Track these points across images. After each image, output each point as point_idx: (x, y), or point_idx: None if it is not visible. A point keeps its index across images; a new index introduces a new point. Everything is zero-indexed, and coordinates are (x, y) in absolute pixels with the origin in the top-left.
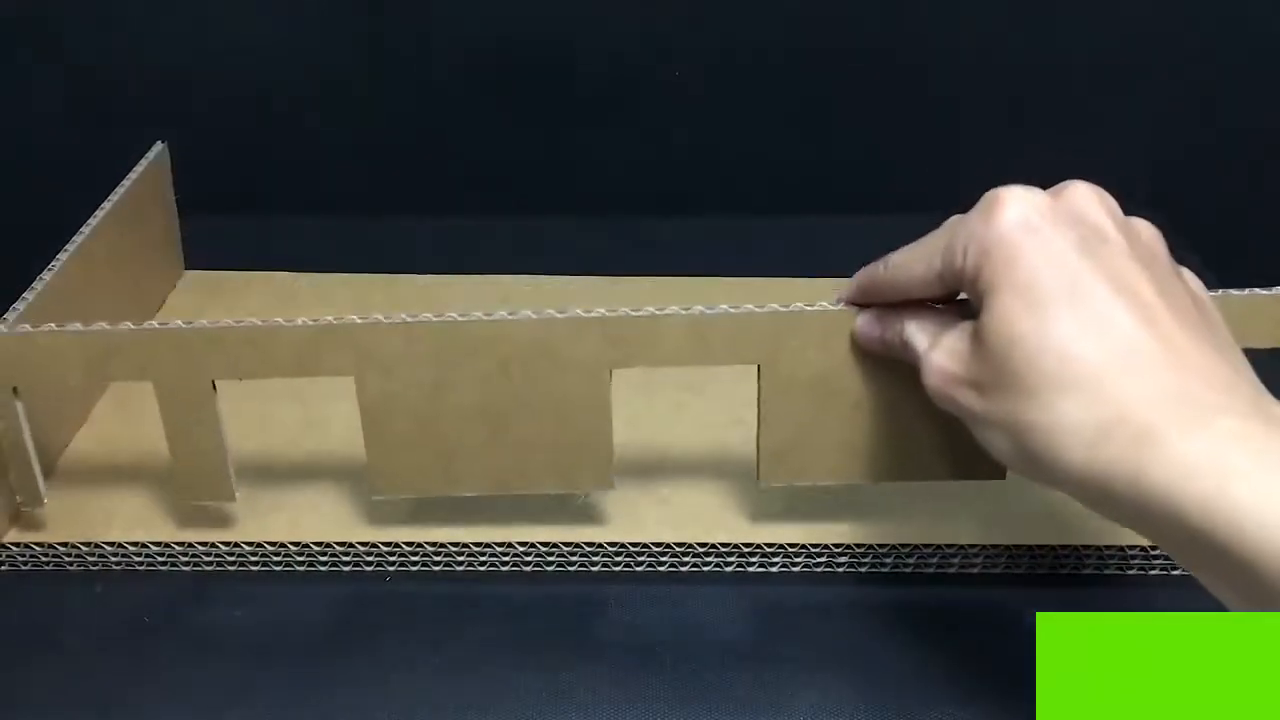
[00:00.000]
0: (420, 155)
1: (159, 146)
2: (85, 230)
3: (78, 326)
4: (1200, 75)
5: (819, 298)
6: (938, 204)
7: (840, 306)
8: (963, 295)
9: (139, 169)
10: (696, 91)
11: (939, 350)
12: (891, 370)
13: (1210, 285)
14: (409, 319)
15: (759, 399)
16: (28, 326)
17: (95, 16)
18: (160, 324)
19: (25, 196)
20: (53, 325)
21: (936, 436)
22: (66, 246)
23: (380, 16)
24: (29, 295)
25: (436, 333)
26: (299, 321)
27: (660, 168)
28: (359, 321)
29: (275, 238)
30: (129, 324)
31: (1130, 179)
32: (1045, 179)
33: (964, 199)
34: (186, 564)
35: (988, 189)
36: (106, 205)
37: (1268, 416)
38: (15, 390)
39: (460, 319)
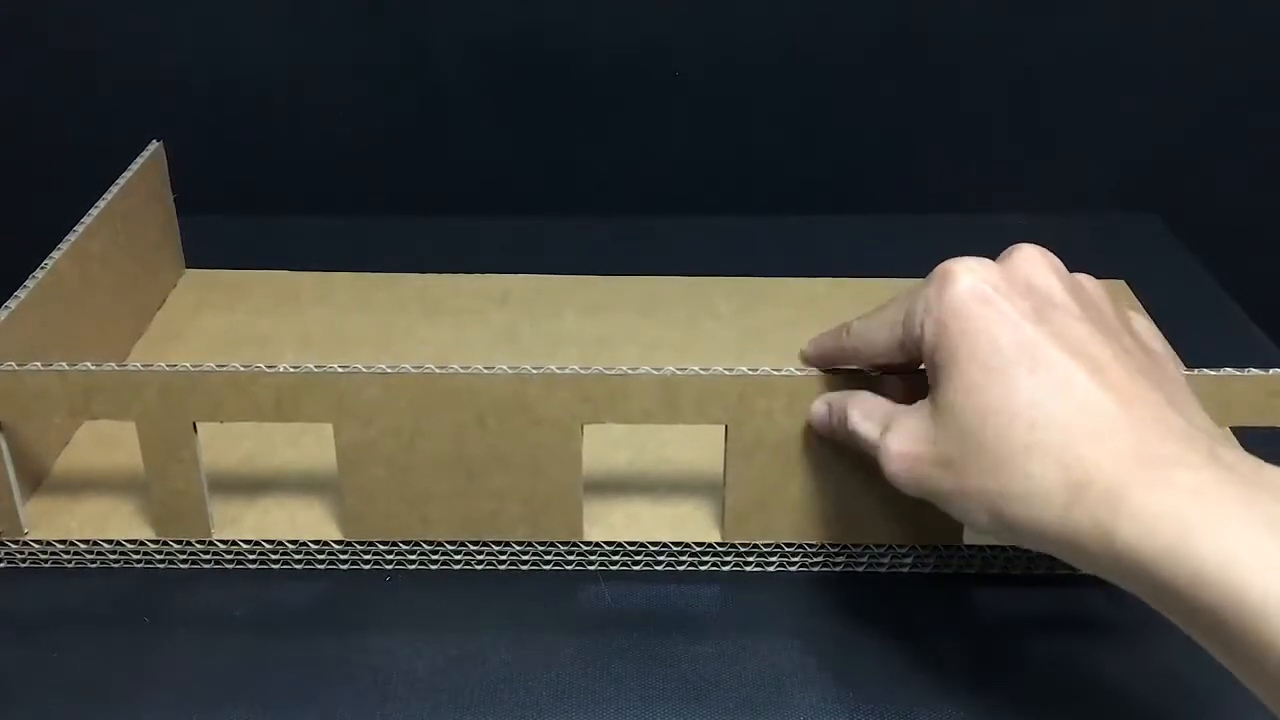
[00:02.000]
0: (420, 155)
1: (155, 145)
2: (79, 229)
3: (62, 365)
4: (1201, 75)
5: (815, 297)
6: (937, 204)
7: (808, 372)
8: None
9: (134, 168)
10: (696, 92)
11: (895, 434)
12: None
13: (1211, 285)
14: (388, 369)
15: (725, 459)
16: (13, 365)
17: (95, 16)
18: (143, 365)
19: (24, 197)
20: (38, 364)
21: (898, 500)
22: (60, 245)
23: (380, 16)
24: (21, 294)
25: (414, 384)
26: (280, 368)
27: (660, 168)
28: (339, 370)
29: (276, 237)
30: (113, 364)
31: (1130, 179)
32: (1045, 178)
33: (964, 199)
34: (184, 561)
35: (988, 188)
36: (101, 204)
37: (1221, 465)
38: None
39: (438, 371)
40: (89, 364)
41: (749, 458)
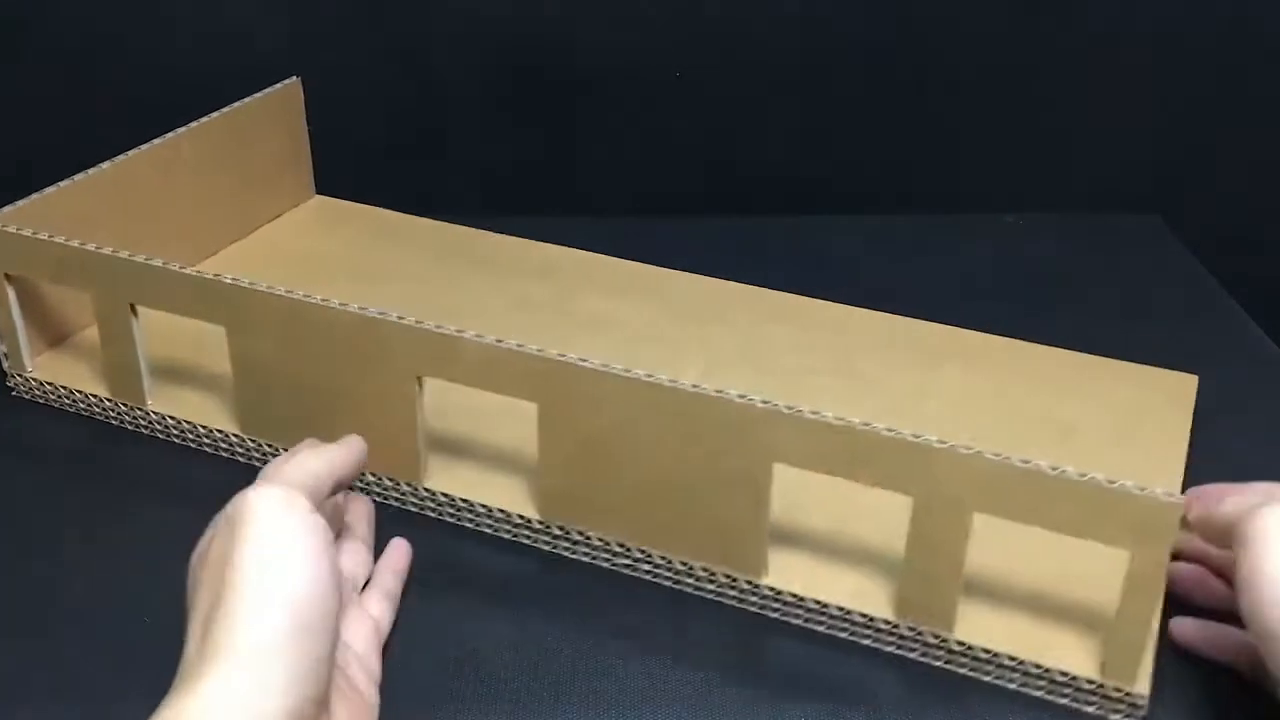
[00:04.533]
0: (421, 156)
1: (292, 80)
2: (166, 137)
3: (42, 236)
4: (1201, 76)
5: (818, 310)
6: (937, 204)
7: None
8: None
9: (261, 95)
10: (697, 92)
11: None
12: (672, 440)
13: (1211, 285)
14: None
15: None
16: (14, 228)
17: (97, 16)
18: (95, 248)
19: (26, 195)
20: (29, 231)
21: (701, 516)
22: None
23: (382, 17)
24: (84, 175)
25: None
26: (190, 271)
27: (660, 168)
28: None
29: None
30: (77, 243)
31: (1130, 179)
32: (1045, 178)
33: (964, 199)
34: (130, 425)
35: (988, 189)
36: (200, 121)
37: None
38: (8, 277)
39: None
40: (61, 239)
41: (560, 442)
